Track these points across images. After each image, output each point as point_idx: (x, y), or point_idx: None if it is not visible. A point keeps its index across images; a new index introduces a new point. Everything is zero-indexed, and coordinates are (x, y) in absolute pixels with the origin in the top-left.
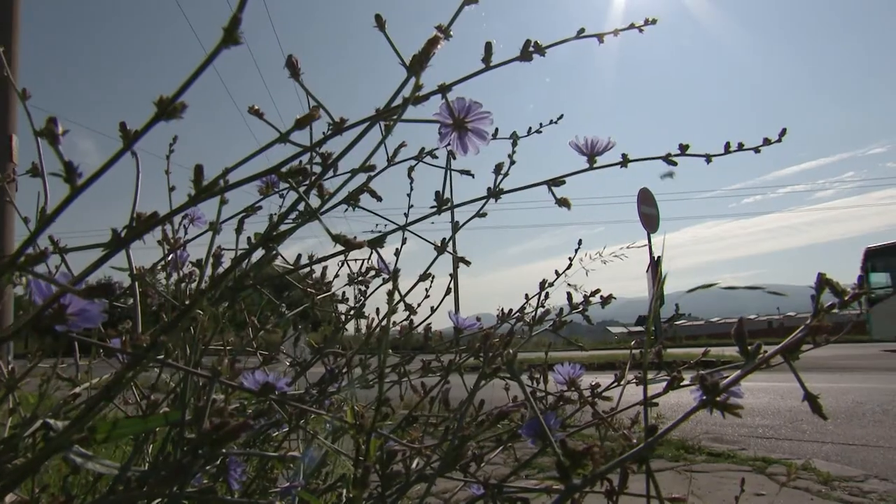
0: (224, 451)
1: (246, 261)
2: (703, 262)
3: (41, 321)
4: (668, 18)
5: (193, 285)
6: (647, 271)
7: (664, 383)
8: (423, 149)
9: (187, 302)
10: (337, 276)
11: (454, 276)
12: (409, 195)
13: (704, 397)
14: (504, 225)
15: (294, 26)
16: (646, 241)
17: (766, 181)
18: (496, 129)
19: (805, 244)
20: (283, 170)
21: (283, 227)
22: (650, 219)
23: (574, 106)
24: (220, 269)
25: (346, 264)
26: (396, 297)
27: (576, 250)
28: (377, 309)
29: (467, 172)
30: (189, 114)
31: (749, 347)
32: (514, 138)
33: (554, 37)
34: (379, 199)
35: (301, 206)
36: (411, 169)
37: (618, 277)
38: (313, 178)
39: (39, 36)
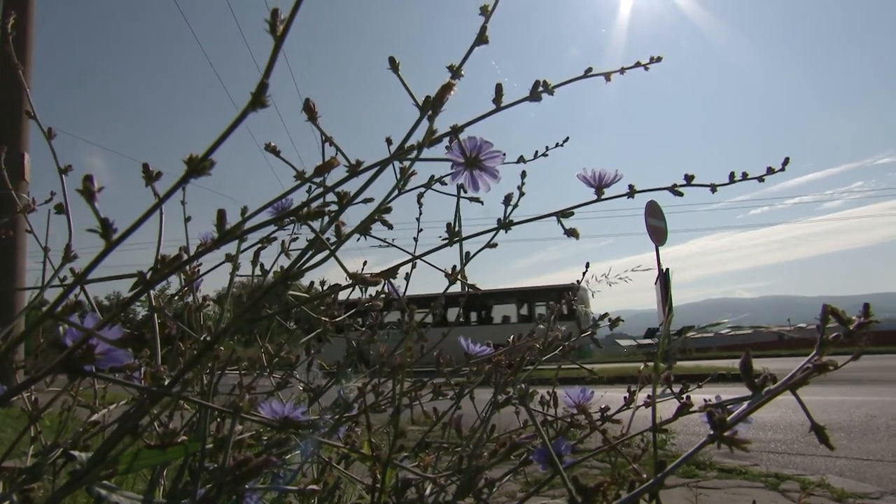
0: (247, 486)
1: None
2: (712, 274)
3: (72, 362)
4: (671, 30)
5: (206, 311)
6: (655, 283)
7: (673, 403)
8: (432, 176)
9: (207, 338)
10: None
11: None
12: (418, 219)
13: (712, 432)
14: (512, 238)
15: (301, 40)
16: (651, 264)
17: (772, 192)
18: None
19: (814, 255)
20: (303, 212)
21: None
22: (658, 231)
23: (576, 112)
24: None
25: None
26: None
27: (583, 273)
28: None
29: (477, 200)
30: (199, 128)
31: (756, 380)
32: (522, 163)
33: (558, 48)
34: (390, 227)
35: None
36: (420, 196)
37: (626, 290)
38: (330, 216)
39: (48, 51)
